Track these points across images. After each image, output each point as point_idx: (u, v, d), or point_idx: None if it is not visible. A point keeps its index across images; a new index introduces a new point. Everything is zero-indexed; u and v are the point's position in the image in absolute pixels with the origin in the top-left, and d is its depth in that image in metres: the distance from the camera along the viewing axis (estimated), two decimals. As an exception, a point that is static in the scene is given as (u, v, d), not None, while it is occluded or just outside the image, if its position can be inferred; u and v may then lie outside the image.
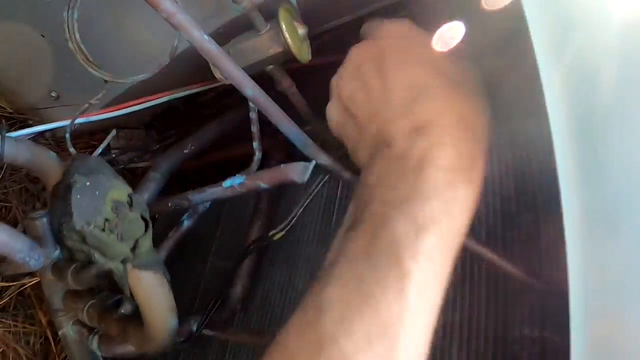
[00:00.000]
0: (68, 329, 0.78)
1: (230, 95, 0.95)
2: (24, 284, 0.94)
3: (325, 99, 0.48)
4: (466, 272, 0.55)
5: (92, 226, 0.48)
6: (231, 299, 0.67)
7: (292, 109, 0.61)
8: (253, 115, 0.59)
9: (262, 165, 0.58)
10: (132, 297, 0.52)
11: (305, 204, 0.58)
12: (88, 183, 0.50)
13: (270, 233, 0.59)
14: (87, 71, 0.59)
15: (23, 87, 0.91)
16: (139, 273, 0.50)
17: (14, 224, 1.02)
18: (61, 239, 0.50)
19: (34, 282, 0.95)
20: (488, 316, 0.53)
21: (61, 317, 0.79)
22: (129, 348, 0.67)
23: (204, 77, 0.75)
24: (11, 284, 0.94)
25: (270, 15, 0.56)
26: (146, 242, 0.51)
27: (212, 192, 0.55)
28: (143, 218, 0.51)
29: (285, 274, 0.70)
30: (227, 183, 0.54)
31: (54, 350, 0.98)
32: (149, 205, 0.66)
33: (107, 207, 0.49)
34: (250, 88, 0.49)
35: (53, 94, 0.82)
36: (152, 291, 0.51)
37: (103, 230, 0.49)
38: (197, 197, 0.57)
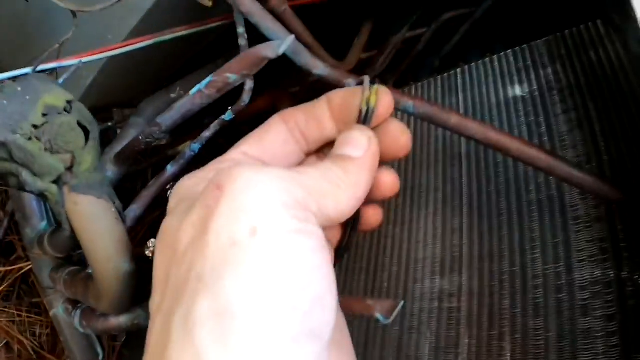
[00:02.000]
0: (59, 309, 0.71)
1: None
2: (22, 268, 0.88)
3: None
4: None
5: (18, 135, 0.40)
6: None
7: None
8: (241, 29, 0.50)
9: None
10: (73, 232, 0.43)
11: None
12: (19, 88, 0.42)
13: None
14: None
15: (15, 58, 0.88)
16: (76, 197, 0.41)
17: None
18: (-10, 160, 0.42)
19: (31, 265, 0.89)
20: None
21: (51, 297, 0.72)
22: (110, 321, 0.58)
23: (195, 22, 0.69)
24: (9, 268, 0.88)
25: None
26: (87, 158, 0.41)
27: (181, 106, 0.46)
28: (83, 127, 0.41)
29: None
30: (193, 90, 0.44)
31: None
32: (124, 151, 0.57)
33: (38, 113, 0.40)
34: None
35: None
36: (92, 219, 0.41)
37: (30, 139, 0.40)
38: (167, 117, 0.47)
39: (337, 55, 0.74)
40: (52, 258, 0.68)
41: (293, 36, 0.39)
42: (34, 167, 0.40)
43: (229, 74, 0.40)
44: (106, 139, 0.66)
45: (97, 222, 0.41)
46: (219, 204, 0.29)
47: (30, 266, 0.95)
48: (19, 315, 0.98)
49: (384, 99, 0.38)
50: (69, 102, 0.42)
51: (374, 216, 0.42)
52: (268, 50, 0.36)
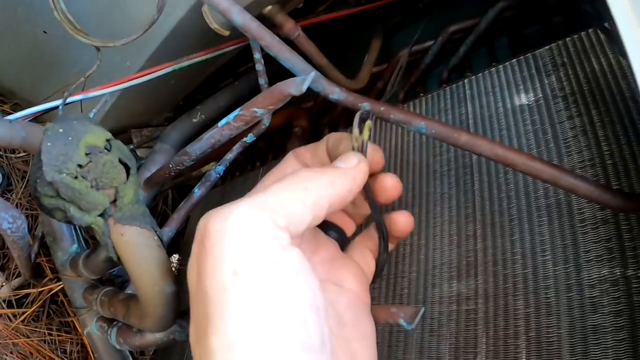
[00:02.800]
0: (93, 327, 0.76)
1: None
2: (52, 289, 0.93)
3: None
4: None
5: (64, 174, 0.45)
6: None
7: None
8: (257, 55, 0.54)
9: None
10: (120, 260, 0.48)
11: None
12: (61, 130, 0.46)
13: None
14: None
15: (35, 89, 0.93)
16: (122, 228, 0.46)
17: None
18: (38, 199, 0.47)
19: (62, 285, 0.95)
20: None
21: (84, 315, 0.77)
22: (147, 337, 0.63)
23: (208, 46, 0.73)
24: (40, 289, 0.93)
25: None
26: (128, 192, 0.46)
27: (210, 137, 0.51)
28: (123, 163, 0.46)
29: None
30: (221, 122, 0.49)
31: (93, 357, 0.97)
32: (154, 177, 0.62)
33: (80, 152, 0.45)
34: (237, 14, 0.46)
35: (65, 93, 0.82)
36: (137, 248, 0.46)
37: (76, 178, 0.45)
38: (196, 147, 0.52)
39: (348, 66, 0.78)
40: (85, 279, 0.73)
41: (314, 72, 0.43)
42: (81, 203, 0.45)
43: (256, 109, 0.44)
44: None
45: (141, 250, 0.46)
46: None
47: (60, 287, 1.00)
48: (50, 335, 1.03)
49: (373, 154, 0.44)
50: (108, 140, 0.47)
51: (404, 222, 0.48)
52: (292, 88, 0.40)
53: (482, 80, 0.68)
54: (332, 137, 0.47)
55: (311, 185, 0.39)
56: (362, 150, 0.43)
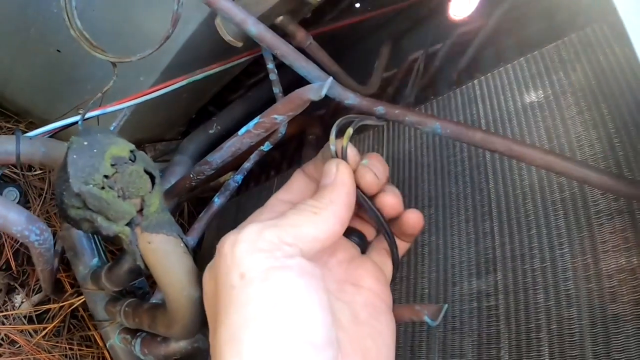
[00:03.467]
0: (115, 340, 0.77)
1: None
2: (73, 303, 0.95)
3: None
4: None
5: (91, 185, 0.46)
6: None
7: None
8: (270, 65, 0.56)
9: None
10: (147, 268, 0.49)
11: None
12: (85, 143, 0.48)
13: None
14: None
15: (51, 107, 0.95)
16: (149, 236, 0.47)
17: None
18: (64, 211, 0.49)
19: (82, 300, 0.96)
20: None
21: (107, 328, 0.78)
22: (172, 346, 0.64)
23: (220, 58, 0.75)
24: (60, 304, 0.95)
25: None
26: (154, 201, 0.48)
27: (230, 145, 0.53)
28: (148, 173, 0.48)
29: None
30: (241, 131, 0.51)
31: (114, 370, 0.98)
32: (175, 188, 0.64)
33: (106, 163, 0.47)
34: (252, 25, 0.48)
35: (80, 111, 0.85)
36: (165, 255, 0.48)
37: (102, 188, 0.47)
38: (217, 156, 0.54)
39: (358, 73, 0.80)
40: (107, 292, 0.75)
41: (331, 78, 0.45)
42: (108, 213, 0.47)
43: (276, 115, 0.46)
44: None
45: (169, 257, 0.48)
46: (219, 264, 0.42)
47: (80, 301, 1.02)
48: (71, 349, 1.05)
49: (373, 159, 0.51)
50: (132, 151, 0.48)
51: (414, 219, 0.53)
52: (311, 93, 0.42)
53: (491, 80, 0.70)
54: (323, 148, 0.52)
55: (318, 210, 0.44)
56: (341, 154, 0.48)
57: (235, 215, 0.93)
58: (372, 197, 0.50)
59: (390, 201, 0.51)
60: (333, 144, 0.48)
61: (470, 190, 0.63)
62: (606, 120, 0.58)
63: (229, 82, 0.92)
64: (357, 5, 0.91)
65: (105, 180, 0.47)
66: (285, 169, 0.94)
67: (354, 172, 0.49)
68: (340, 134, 0.48)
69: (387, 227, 0.51)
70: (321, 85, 0.41)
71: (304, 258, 0.43)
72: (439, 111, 0.73)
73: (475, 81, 0.71)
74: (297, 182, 0.53)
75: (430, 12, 0.89)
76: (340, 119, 0.50)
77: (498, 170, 0.62)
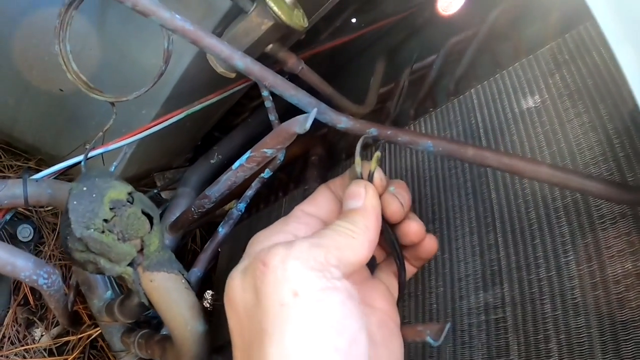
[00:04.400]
0: (131, 370, 0.79)
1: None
2: (91, 334, 0.97)
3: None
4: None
5: (92, 230, 0.48)
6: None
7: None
8: (265, 92, 0.57)
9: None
10: (151, 304, 0.51)
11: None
12: (85, 188, 0.50)
13: None
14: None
15: (57, 144, 0.97)
16: (151, 275, 0.49)
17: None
18: (70, 254, 0.51)
19: (100, 331, 0.98)
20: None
21: (124, 358, 0.80)
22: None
23: (219, 86, 0.76)
24: (79, 336, 0.97)
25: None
26: (154, 240, 0.49)
27: (226, 179, 0.54)
28: (146, 214, 0.50)
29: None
30: (235, 165, 0.52)
31: (135, 400, 1.00)
32: (178, 221, 0.65)
33: (105, 208, 0.49)
34: (239, 59, 0.49)
35: (87, 146, 0.86)
36: (167, 292, 0.49)
37: (103, 232, 0.48)
38: (215, 190, 0.56)
39: (356, 88, 0.81)
40: (122, 323, 0.77)
41: (316, 109, 0.46)
42: (110, 255, 0.48)
43: (266, 149, 0.47)
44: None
45: (171, 293, 0.49)
46: (265, 276, 0.41)
47: (98, 332, 1.04)
48: (91, 380, 1.07)
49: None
50: (129, 193, 0.50)
51: (431, 244, 0.53)
52: (296, 127, 0.43)
53: (488, 88, 0.70)
54: (351, 167, 0.52)
55: (355, 234, 0.45)
56: (368, 176, 0.48)
57: (247, 236, 0.94)
58: (395, 224, 0.51)
59: (415, 228, 0.51)
60: (359, 165, 0.48)
61: (473, 202, 0.64)
62: (605, 122, 0.58)
63: (233, 106, 0.93)
64: (354, 20, 0.91)
65: (105, 224, 0.48)
66: (292, 189, 0.95)
67: (380, 197, 0.49)
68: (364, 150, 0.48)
69: (401, 252, 0.52)
70: (306, 117, 0.42)
71: (347, 280, 0.43)
72: (438, 123, 0.74)
73: (472, 90, 0.72)
74: (323, 197, 0.53)
75: (425, 21, 0.90)
76: (364, 136, 0.50)
77: (499, 179, 0.62)
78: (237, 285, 0.44)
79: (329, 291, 0.41)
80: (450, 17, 0.82)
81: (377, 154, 0.47)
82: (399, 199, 0.49)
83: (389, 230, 0.50)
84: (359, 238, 0.45)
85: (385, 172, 0.56)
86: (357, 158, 0.47)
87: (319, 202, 0.52)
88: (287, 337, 0.38)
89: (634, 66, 0.36)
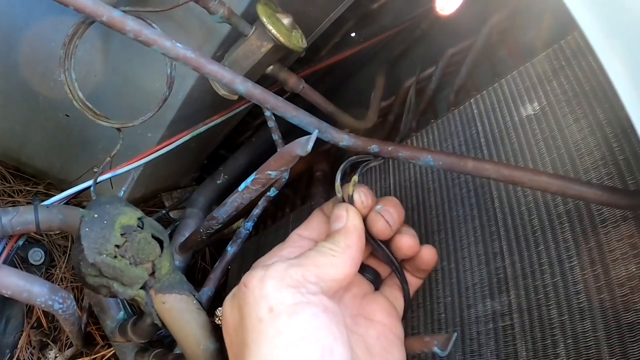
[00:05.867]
0: (145, 390, 0.80)
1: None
2: (105, 355, 0.98)
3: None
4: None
5: (104, 255, 0.50)
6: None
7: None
8: (267, 112, 0.59)
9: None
10: (164, 325, 0.52)
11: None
12: (96, 215, 0.52)
13: None
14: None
15: (65, 168, 0.99)
16: (163, 297, 0.51)
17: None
18: (83, 279, 0.52)
19: (113, 351, 1.00)
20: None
21: (136, 379, 0.81)
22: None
23: (222, 107, 0.78)
24: (93, 357, 0.99)
25: (255, 18, 0.59)
26: (165, 263, 0.51)
27: (233, 201, 0.56)
28: (156, 238, 0.51)
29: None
30: (241, 187, 0.54)
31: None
32: (187, 242, 0.67)
33: (116, 234, 0.50)
34: (240, 84, 0.51)
35: (95, 169, 0.88)
36: (179, 313, 0.51)
37: (115, 257, 0.50)
38: (222, 212, 0.57)
39: (358, 101, 0.82)
40: (135, 343, 0.78)
41: (317, 131, 0.48)
42: (123, 279, 0.50)
43: (270, 171, 0.49)
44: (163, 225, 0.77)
45: (183, 314, 0.51)
46: (246, 297, 0.46)
47: (112, 352, 1.05)
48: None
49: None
50: (139, 218, 0.52)
51: (428, 255, 0.58)
52: (298, 149, 0.45)
53: (487, 97, 0.71)
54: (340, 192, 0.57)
55: (336, 253, 0.49)
56: (349, 199, 0.53)
57: (255, 252, 0.96)
58: (388, 240, 0.54)
59: (407, 243, 0.55)
60: (339, 191, 0.53)
61: (477, 211, 0.65)
62: (603, 126, 0.59)
63: (237, 124, 0.95)
64: (353, 35, 0.93)
65: (116, 249, 0.50)
66: (299, 205, 0.96)
67: (367, 216, 0.54)
68: (348, 175, 0.52)
69: (398, 266, 0.55)
70: (308, 139, 0.44)
71: (325, 295, 0.47)
72: (439, 134, 0.75)
73: (472, 100, 0.73)
74: (316, 220, 0.58)
75: (423, 33, 0.91)
76: (344, 163, 0.54)
77: (502, 188, 0.63)
78: (227, 306, 0.49)
79: (302, 305, 0.44)
80: (448, 26, 0.83)
81: (355, 178, 0.52)
82: (384, 218, 0.52)
83: (382, 247, 0.54)
84: (340, 256, 0.49)
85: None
86: (337, 184, 0.52)
87: (313, 225, 0.57)
88: (264, 349, 0.42)
89: (622, 76, 0.37)
